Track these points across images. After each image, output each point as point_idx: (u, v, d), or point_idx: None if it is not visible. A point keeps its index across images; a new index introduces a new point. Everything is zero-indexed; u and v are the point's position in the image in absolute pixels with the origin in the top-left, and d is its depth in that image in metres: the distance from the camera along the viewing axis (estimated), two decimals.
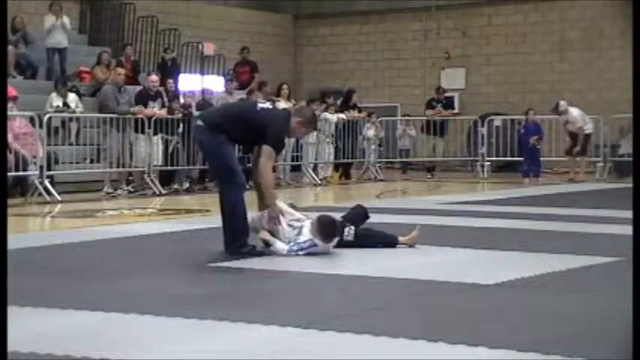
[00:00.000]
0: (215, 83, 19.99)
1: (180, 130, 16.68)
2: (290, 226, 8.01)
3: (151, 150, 16.27)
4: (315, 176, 19.29)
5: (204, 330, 5.11)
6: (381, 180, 20.37)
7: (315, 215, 8.26)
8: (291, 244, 7.91)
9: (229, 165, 8.11)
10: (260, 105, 8.42)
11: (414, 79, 26.32)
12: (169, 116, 16.53)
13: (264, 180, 8.05)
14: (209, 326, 5.17)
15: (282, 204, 8.25)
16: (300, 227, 8.00)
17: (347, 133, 20.29)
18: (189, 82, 19.78)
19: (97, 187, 16.02)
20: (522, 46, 25.23)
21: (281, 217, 8.04)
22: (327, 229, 7.99)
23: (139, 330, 5.14)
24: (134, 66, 20.09)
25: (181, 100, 17.51)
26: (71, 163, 16.05)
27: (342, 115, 20.24)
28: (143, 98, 16.53)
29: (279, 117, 8.32)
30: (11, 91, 15.02)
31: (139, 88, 17.44)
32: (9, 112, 14.16)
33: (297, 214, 8.21)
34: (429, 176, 21.13)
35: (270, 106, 8.55)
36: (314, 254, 7.90)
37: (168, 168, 16.70)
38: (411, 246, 8.38)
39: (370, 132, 21.00)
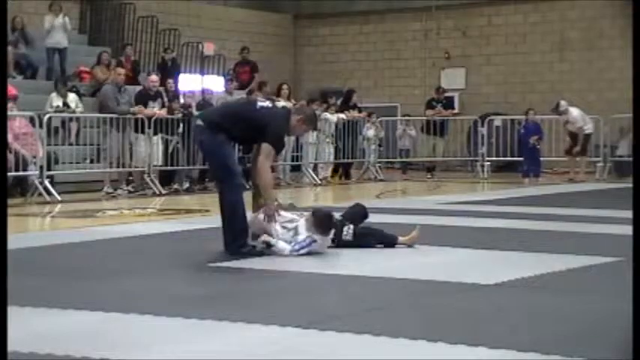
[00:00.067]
0: (215, 83, 19.98)
1: (180, 130, 16.68)
2: (284, 227, 8.01)
3: (150, 150, 16.27)
4: (315, 176, 19.29)
5: (204, 330, 5.11)
6: (381, 180, 20.36)
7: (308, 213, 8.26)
8: (292, 243, 7.91)
9: (228, 165, 8.11)
10: (260, 103, 8.41)
11: (414, 79, 26.32)
12: (169, 116, 16.53)
13: (262, 178, 8.04)
14: (209, 326, 5.17)
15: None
16: (295, 227, 8.00)
17: (347, 133, 20.28)
18: (189, 82, 19.77)
19: (97, 187, 16.02)
20: (522, 46, 25.23)
21: (276, 216, 8.04)
22: (323, 222, 8.01)
23: (139, 330, 5.14)
24: (134, 66, 20.09)
25: (181, 100, 17.51)
26: (71, 163, 16.05)
27: (342, 115, 20.24)
28: (143, 98, 16.53)
29: (279, 115, 8.31)
30: (11, 90, 15.02)
31: (139, 88, 17.44)
32: (9, 112, 14.16)
33: (290, 215, 8.19)
34: (429, 176, 21.13)
35: (270, 105, 8.54)
36: (314, 254, 7.91)
37: (168, 168, 16.70)
38: (410, 246, 8.38)
39: (370, 132, 21.00)
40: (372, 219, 8.98)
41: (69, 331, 5.10)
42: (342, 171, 20.79)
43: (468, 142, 23.60)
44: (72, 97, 16.79)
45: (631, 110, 5.71)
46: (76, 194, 15.33)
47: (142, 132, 16.13)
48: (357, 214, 8.78)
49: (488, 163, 21.48)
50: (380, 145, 21.61)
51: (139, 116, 16.08)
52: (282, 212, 8.22)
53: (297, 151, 19.17)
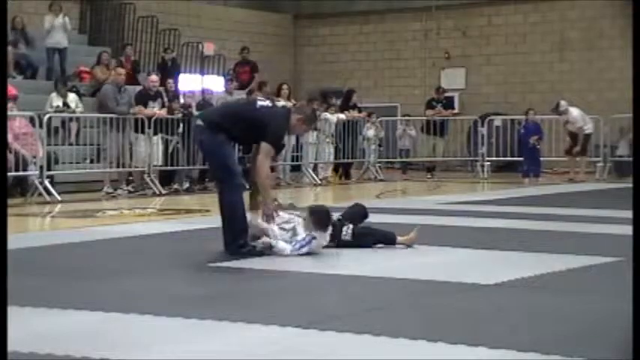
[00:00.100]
0: (215, 83, 19.98)
1: (180, 130, 16.68)
2: (282, 229, 8.01)
3: (150, 150, 16.27)
4: (315, 176, 19.29)
5: (204, 330, 5.11)
6: (381, 180, 20.36)
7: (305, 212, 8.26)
8: (293, 243, 7.91)
9: (228, 165, 8.11)
10: (260, 103, 8.40)
11: (414, 79, 26.32)
12: (169, 116, 16.53)
13: (260, 177, 8.03)
14: (209, 326, 5.17)
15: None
16: (293, 228, 8.00)
17: (347, 133, 20.28)
18: (189, 82, 19.77)
19: (97, 187, 16.01)
20: (522, 46, 25.23)
21: (274, 215, 8.04)
22: (321, 219, 8.04)
23: (139, 330, 5.14)
24: (134, 66, 20.08)
25: (181, 100, 17.51)
26: (71, 163, 16.05)
27: (342, 115, 20.24)
28: (143, 98, 16.53)
29: (279, 114, 8.31)
30: (11, 89, 15.02)
31: (139, 88, 17.44)
32: (9, 112, 14.16)
33: (287, 216, 8.18)
34: (429, 176, 21.13)
35: (270, 104, 8.54)
36: (314, 254, 7.91)
37: (169, 168, 16.70)
38: (409, 246, 8.37)
39: (370, 132, 21.00)
40: (372, 219, 8.98)
41: (69, 331, 5.10)
42: (342, 171, 20.80)
43: (468, 142, 23.60)
44: (72, 97, 16.79)
45: (631, 110, 5.71)
46: (76, 194, 15.33)
47: (142, 132, 16.13)
48: (357, 214, 8.79)
49: (488, 163, 21.48)
50: (380, 145, 21.61)
51: (139, 116, 16.08)
52: (280, 213, 8.22)
53: (297, 151, 19.18)
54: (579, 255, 7.95)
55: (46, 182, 14.57)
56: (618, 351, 4.55)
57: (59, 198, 14.35)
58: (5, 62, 16.36)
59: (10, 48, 17.53)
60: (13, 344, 4.40)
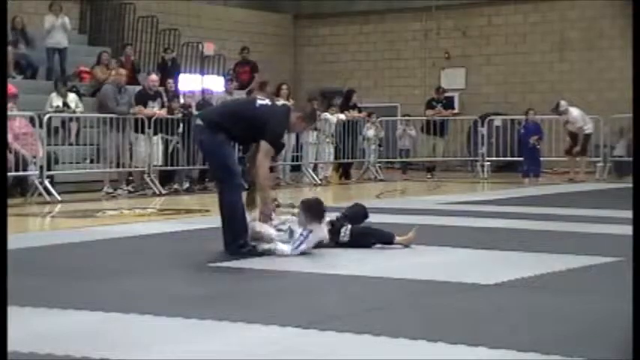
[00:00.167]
0: (215, 83, 19.97)
1: (180, 130, 16.68)
2: (279, 230, 8.01)
3: (150, 150, 16.27)
4: (315, 176, 19.29)
5: (204, 330, 5.11)
6: (381, 180, 20.37)
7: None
8: (292, 242, 7.90)
9: (228, 165, 8.11)
10: (259, 102, 8.40)
11: (414, 79, 26.32)
12: (169, 116, 16.53)
13: (259, 176, 8.02)
14: (209, 326, 5.17)
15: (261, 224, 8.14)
16: (289, 227, 7.99)
17: (347, 133, 20.28)
18: (189, 82, 19.76)
19: (97, 187, 16.01)
20: (522, 46, 25.23)
21: (272, 215, 8.03)
22: (315, 209, 8.06)
23: (139, 330, 5.14)
24: (134, 66, 20.07)
25: (181, 100, 17.51)
26: (71, 163, 16.04)
27: (342, 116, 20.24)
28: (143, 98, 16.53)
29: (279, 113, 8.31)
30: (11, 88, 15.03)
31: (139, 88, 17.44)
32: (9, 112, 14.16)
33: (282, 217, 8.18)
34: (429, 176, 21.13)
35: (270, 103, 8.54)
36: (314, 254, 7.91)
37: (169, 168, 16.70)
38: (406, 246, 8.36)
39: (370, 132, 21.00)
40: (372, 219, 8.98)
41: (69, 331, 5.10)
42: (342, 171, 20.80)
43: (468, 142, 23.60)
44: (72, 97, 16.79)
45: (631, 110, 5.71)
46: (76, 194, 15.33)
47: (142, 132, 16.13)
48: (357, 214, 8.80)
49: (488, 163, 21.48)
50: (380, 145, 21.61)
51: (139, 116, 16.08)
52: (276, 214, 8.21)
53: (297, 151, 19.18)
54: (579, 255, 7.95)
55: (46, 182, 14.57)
56: (618, 351, 4.55)
57: (59, 198, 14.35)
58: (5, 62, 16.36)
59: (10, 48, 17.52)
60: (13, 344, 4.40)
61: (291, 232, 7.95)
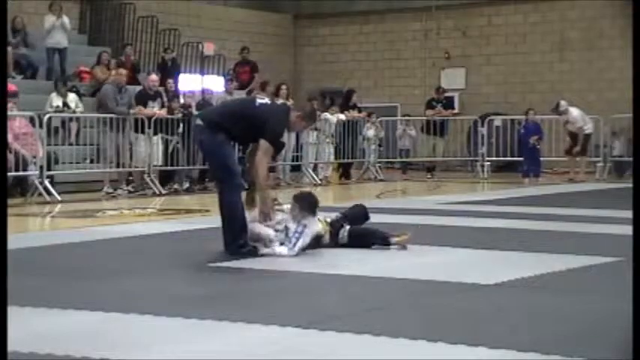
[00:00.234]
0: (215, 83, 19.98)
1: (180, 130, 16.68)
2: (276, 230, 8.01)
3: (150, 150, 16.27)
4: (315, 176, 19.29)
5: (204, 330, 5.11)
6: (381, 180, 20.37)
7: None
8: (288, 241, 7.89)
9: (228, 165, 8.11)
10: (259, 101, 8.43)
11: (414, 79, 26.32)
12: (169, 116, 16.53)
13: (258, 174, 8.02)
14: (209, 326, 5.17)
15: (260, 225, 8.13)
16: (285, 226, 8.00)
17: (347, 133, 20.28)
18: (189, 82, 19.77)
19: (97, 187, 16.01)
20: (522, 46, 25.23)
21: (271, 215, 8.03)
22: (308, 202, 8.10)
23: (139, 330, 5.14)
24: (134, 66, 20.07)
25: (181, 100, 17.50)
26: (71, 163, 16.04)
27: (341, 116, 20.24)
28: (143, 98, 16.53)
29: (278, 112, 8.32)
30: (11, 87, 15.02)
31: (138, 88, 17.44)
32: (9, 112, 14.16)
33: (279, 217, 8.18)
34: (429, 176, 21.13)
35: (269, 102, 8.53)
36: (314, 254, 7.91)
37: (169, 168, 16.70)
38: (404, 247, 8.35)
39: (370, 132, 21.00)
40: (372, 219, 8.98)
41: (69, 331, 5.10)
42: (342, 171, 20.81)
43: (468, 142, 23.60)
44: (72, 97, 16.79)
45: (631, 110, 5.71)
46: (76, 194, 15.33)
47: (142, 132, 16.13)
48: (357, 214, 8.80)
49: (488, 163, 21.48)
50: (380, 145, 21.61)
51: (139, 116, 16.08)
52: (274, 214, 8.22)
53: (297, 151, 19.18)
54: (579, 255, 7.95)
55: (46, 182, 14.56)
56: (618, 351, 4.55)
57: (59, 198, 14.35)
58: (5, 62, 16.35)
59: (10, 48, 17.52)
60: (13, 344, 4.40)
61: (287, 231, 7.95)
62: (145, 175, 16.21)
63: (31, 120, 15.10)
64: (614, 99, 22.05)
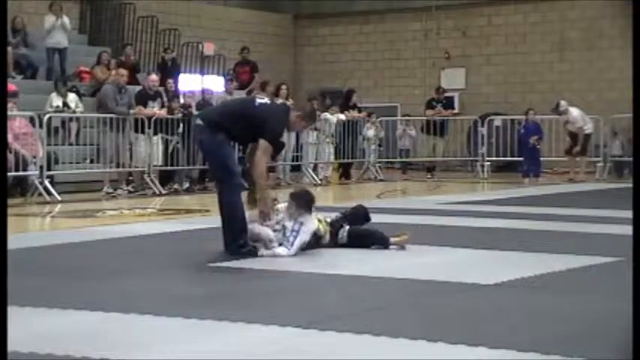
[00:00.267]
0: (215, 83, 19.97)
1: (180, 130, 16.68)
2: (275, 231, 8.01)
3: (150, 150, 16.27)
4: (315, 176, 19.29)
5: (204, 330, 5.11)
6: (381, 180, 20.37)
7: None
8: (288, 239, 7.90)
9: (228, 165, 8.11)
10: (258, 100, 8.43)
11: (414, 79, 26.32)
12: (169, 116, 16.53)
13: (256, 172, 8.01)
14: (209, 326, 5.17)
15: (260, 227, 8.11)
16: (282, 225, 8.00)
17: (347, 133, 20.28)
18: (189, 82, 19.76)
19: (97, 187, 16.01)
20: (522, 46, 25.23)
21: (270, 215, 8.04)
22: (304, 199, 8.10)
23: (139, 330, 5.14)
24: (133, 66, 20.06)
25: (181, 100, 17.50)
26: (71, 163, 16.04)
27: (341, 116, 20.24)
28: (143, 98, 16.53)
29: (278, 111, 8.32)
30: (11, 87, 15.02)
31: (138, 88, 17.43)
32: (9, 112, 14.16)
33: (276, 217, 8.18)
34: (429, 176, 21.13)
35: (269, 102, 8.54)
36: (314, 254, 7.91)
37: (169, 168, 16.70)
38: (402, 247, 8.34)
39: (370, 132, 21.00)
40: (372, 219, 8.97)
41: (69, 331, 5.10)
42: (342, 171, 20.81)
43: (468, 142, 23.60)
44: (72, 97, 16.79)
45: (631, 110, 5.71)
46: (76, 194, 15.33)
47: (142, 132, 16.13)
48: (357, 215, 8.80)
49: (488, 163, 21.48)
50: (380, 145, 21.61)
51: (139, 116, 16.08)
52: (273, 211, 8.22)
53: (297, 151, 19.18)
54: (579, 255, 7.95)
55: (46, 182, 14.56)
56: (618, 351, 4.55)
57: (59, 198, 14.34)
58: (5, 62, 16.35)
59: (10, 48, 17.52)
60: (13, 344, 4.40)
61: (284, 230, 7.95)
62: (145, 175, 16.21)
63: (31, 120, 15.10)
64: (614, 99, 22.05)
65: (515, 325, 5.23)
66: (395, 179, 20.71)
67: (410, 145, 21.89)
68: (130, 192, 16.00)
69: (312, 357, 4.52)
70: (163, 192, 16.07)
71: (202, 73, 21.92)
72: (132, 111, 16.06)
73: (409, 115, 22.51)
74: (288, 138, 17.82)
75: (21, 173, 14.72)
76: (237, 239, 7.96)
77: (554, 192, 16.44)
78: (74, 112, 16.57)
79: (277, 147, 8.43)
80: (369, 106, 22.83)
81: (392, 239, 8.38)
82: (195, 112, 16.16)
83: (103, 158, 15.99)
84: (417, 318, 5.50)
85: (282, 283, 6.86)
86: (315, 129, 18.97)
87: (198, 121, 8.34)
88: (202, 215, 12.18)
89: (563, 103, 19.91)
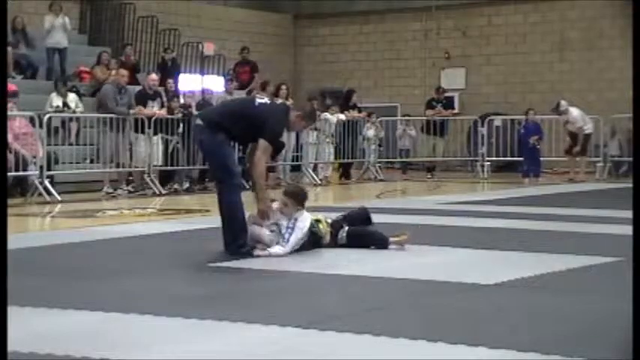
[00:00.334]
0: (215, 83, 19.97)
1: (180, 130, 16.68)
2: (272, 231, 8.01)
3: (150, 150, 16.27)
4: (315, 176, 19.29)
5: (204, 330, 5.11)
6: (381, 180, 20.37)
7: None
8: (284, 237, 7.90)
9: (228, 165, 8.11)
10: (258, 100, 8.43)
11: (414, 79, 26.32)
12: (169, 116, 16.53)
13: (256, 172, 8.02)
14: (209, 326, 5.17)
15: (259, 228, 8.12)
16: (278, 225, 8.00)
17: (347, 133, 20.29)
18: (189, 82, 19.77)
19: (97, 187, 16.01)
20: (522, 46, 25.23)
21: (269, 214, 8.04)
22: (297, 195, 8.12)
23: (139, 330, 5.14)
24: (134, 66, 20.06)
25: (181, 100, 17.50)
26: (71, 163, 16.04)
27: (341, 116, 20.24)
28: (143, 98, 16.53)
29: (278, 111, 8.33)
30: (11, 87, 15.02)
31: (138, 88, 17.43)
32: (9, 112, 14.16)
33: (273, 217, 8.18)
34: (429, 176, 21.13)
35: (269, 102, 8.54)
36: (314, 253, 7.91)
37: (169, 168, 16.70)
38: (401, 247, 8.34)
39: (370, 132, 21.00)
40: (372, 219, 8.97)
41: (69, 331, 5.10)
42: (342, 171, 20.81)
43: (468, 142, 23.60)
44: (72, 97, 16.80)
45: (631, 110, 5.71)
46: (76, 194, 15.33)
47: (142, 132, 16.13)
48: (358, 216, 8.81)
49: (488, 163, 21.48)
50: (380, 145, 21.61)
51: (139, 116, 16.08)
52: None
53: (297, 151, 19.18)
54: (579, 255, 7.95)
55: (46, 182, 14.56)
56: (618, 351, 4.55)
57: (59, 198, 14.35)
58: (5, 62, 16.35)
59: (10, 48, 17.52)
60: (13, 344, 4.40)
61: (279, 227, 7.96)
62: (145, 175, 16.21)
63: (31, 120, 15.10)
64: (614, 99, 22.05)
65: (515, 325, 5.23)
66: (395, 179, 20.71)
67: (410, 145, 21.90)
68: (130, 192, 16.00)
69: (312, 357, 4.52)
70: (163, 192, 16.07)
71: (202, 73, 21.92)
72: (132, 111, 16.06)
73: (409, 115, 22.51)
74: (288, 138, 17.82)
75: (21, 173, 14.72)
76: (237, 239, 7.96)
77: (554, 192, 16.44)
78: (74, 112, 16.58)
79: (277, 147, 8.45)
80: (369, 106, 22.83)
81: (391, 239, 8.38)
82: (195, 112, 16.16)
83: (103, 158, 16.00)
84: (417, 318, 5.50)
85: (282, 283, 6.86)
86: (315, 129, 18.97)
87: (198, 121, 8.34)
88: (202, 215, 12.18)
89: (563, 103, 19.91)
